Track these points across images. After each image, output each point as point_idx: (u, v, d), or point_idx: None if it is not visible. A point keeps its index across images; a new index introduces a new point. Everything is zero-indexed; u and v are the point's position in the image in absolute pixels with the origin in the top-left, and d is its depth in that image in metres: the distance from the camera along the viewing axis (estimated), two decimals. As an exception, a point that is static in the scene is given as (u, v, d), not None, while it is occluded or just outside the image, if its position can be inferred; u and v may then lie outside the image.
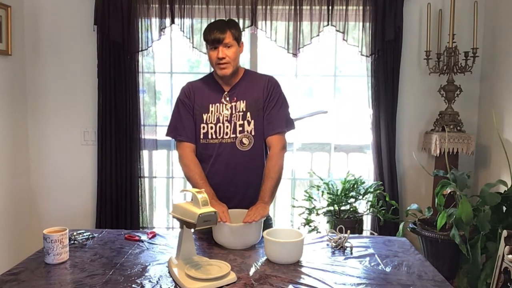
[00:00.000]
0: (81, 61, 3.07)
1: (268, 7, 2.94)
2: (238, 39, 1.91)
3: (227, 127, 1.92)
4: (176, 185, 3.29)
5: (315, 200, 2.96)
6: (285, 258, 1.59)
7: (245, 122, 1.92)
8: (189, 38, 2.98)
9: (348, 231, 1.81)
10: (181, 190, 3.25)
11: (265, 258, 1.63)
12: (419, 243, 2.72)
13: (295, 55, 2.98)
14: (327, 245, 1.79)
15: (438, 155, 2.84)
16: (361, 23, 2.96)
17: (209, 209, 1.46)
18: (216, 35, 1.85)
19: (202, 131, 1.94)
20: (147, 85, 3.11)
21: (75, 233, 1.81)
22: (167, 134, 2.02)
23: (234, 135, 1.92)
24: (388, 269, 1.55)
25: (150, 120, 3.11)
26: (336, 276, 1.49)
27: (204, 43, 1.98)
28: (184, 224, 1.50)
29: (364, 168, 3.19)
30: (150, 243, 1.80)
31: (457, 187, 2.49)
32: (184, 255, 1.54)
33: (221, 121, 1.92)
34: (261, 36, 3.02)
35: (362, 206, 2.99)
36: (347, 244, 1.76)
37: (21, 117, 3.05)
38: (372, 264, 1.60)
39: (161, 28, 2.98)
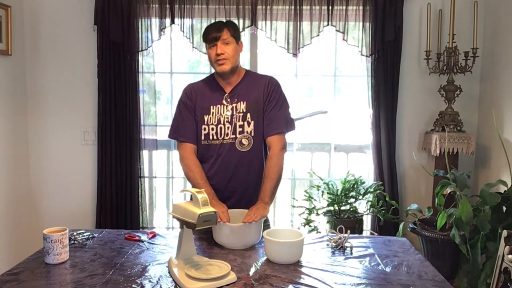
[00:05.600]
0: (81, 61, 3.07)
1: (268, 7, 2.94)
2: (236, 37, 1.92)
3: (228, 128, 1.92)
4: (176, 185, 3.29)
5: (315, 200, 2.96)
6: (285, 258, 1.59)
7: (245, 123, 1.92)
8: (189, 38, 2.98)
9: (348, 231, 1.81)
10: (181, 190, 3.25)
11: (265, 258, 1.63)
12: (419, 243, 2.72)
13: (295, 55, 2.98)
14: (327, 245, 1.79)
15: (438, 155, 2.84)
16: (361, 23, 2.96)
17: (209, 209, 1.46)
18: (214, 33, 1.88)
19: (203, 132, 1.94)
20: (147, 85, 3.11)
21: (75, 233, 1.81)
22: (169, 136, 2.02)
23: (234, 136, 1.92)
24: (388, 269, 1.55)
25: (150, 120, 3.11)
26: (336, 276, 1.49)
27: (204, 43, 1.98)
28: (184, 224, 1.50)
29: (364, 168, 3.19)
30: (150, 243, 1.80)
31: (457, 187, 2.49)
32: (184, 255, 1.54)
33: (222, 122, 1.92)
34: (261, 36, 3.02)
35: (362, 206, 2.99)
36: (347, 244, 1.76)
37: (21, 117, 3.05)
38: (372, 264, 1.60)
39: (161, 28, 2.98)
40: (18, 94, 3.01)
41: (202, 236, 1.85)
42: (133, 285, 1.39)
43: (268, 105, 1.95)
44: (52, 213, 3.16)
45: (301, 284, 1.42)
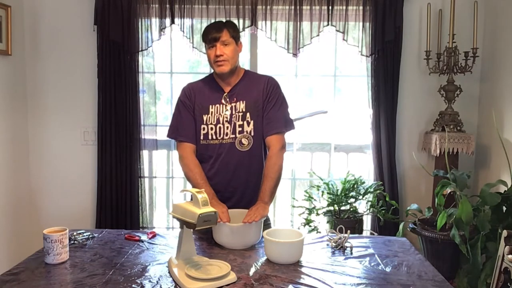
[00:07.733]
0: (81, 61, 3.07)
1: (268, 7, 2.94)
2: (235, 38, 1.91)
3: (227, 127, 1.92)
4: (176, 185, 3.29)
5: (315, 200, 2.96)
6: (285, 258, 1.59)
7: (245, 122, 1.92)
8: (189, 38, 2.98)
9: (348, 231, 1.81)
10: (181, 190, 3.25)
11: (265, 258, 1.63)
12: (419, 243, 2.72)
13: (295, 55, 2.98)
14: (327, 245, 1.79)
15: (438, 155, 2.84)
16: (361, 23, 2.96)
17: (209, 209, 1.46)
18: (213, 34, 1.87)
19: (202, 132, 1.94)
20: (147, 85, 3.11)
21: (75, 233, 1.81)
22: (168, 136, 2.02)
23: (233, 136, 1.92)
24: (388, 269, 1.55)
25: (150, 120, 3.11)
26: (336, 276, 1.49)
27: (204, 43, 1.98)
28: (184, 224, 1.50)
29: (364, 168, 3.19)
30: (150, 243, 1.80)
31: (457, 187, 2.49)
32: (184, 255, 1.54)
33: (221, 122, 1.92)
34: (261, 36, 3.02)
35: (362, 206, 2.98)
36: (347, 244, 1.76)
37: (21, 117, 3.05)
38: (372, 264, 1.60)
39: (161, 28, 2.98)
40: (18, 94, 3.00)
41: (202, 236, 1.85)
42: (133, 285, 1.39)
43: (267, 105, 1.95)
44: (52, 213, 3.16)
45: (301, 284, 1.42)
